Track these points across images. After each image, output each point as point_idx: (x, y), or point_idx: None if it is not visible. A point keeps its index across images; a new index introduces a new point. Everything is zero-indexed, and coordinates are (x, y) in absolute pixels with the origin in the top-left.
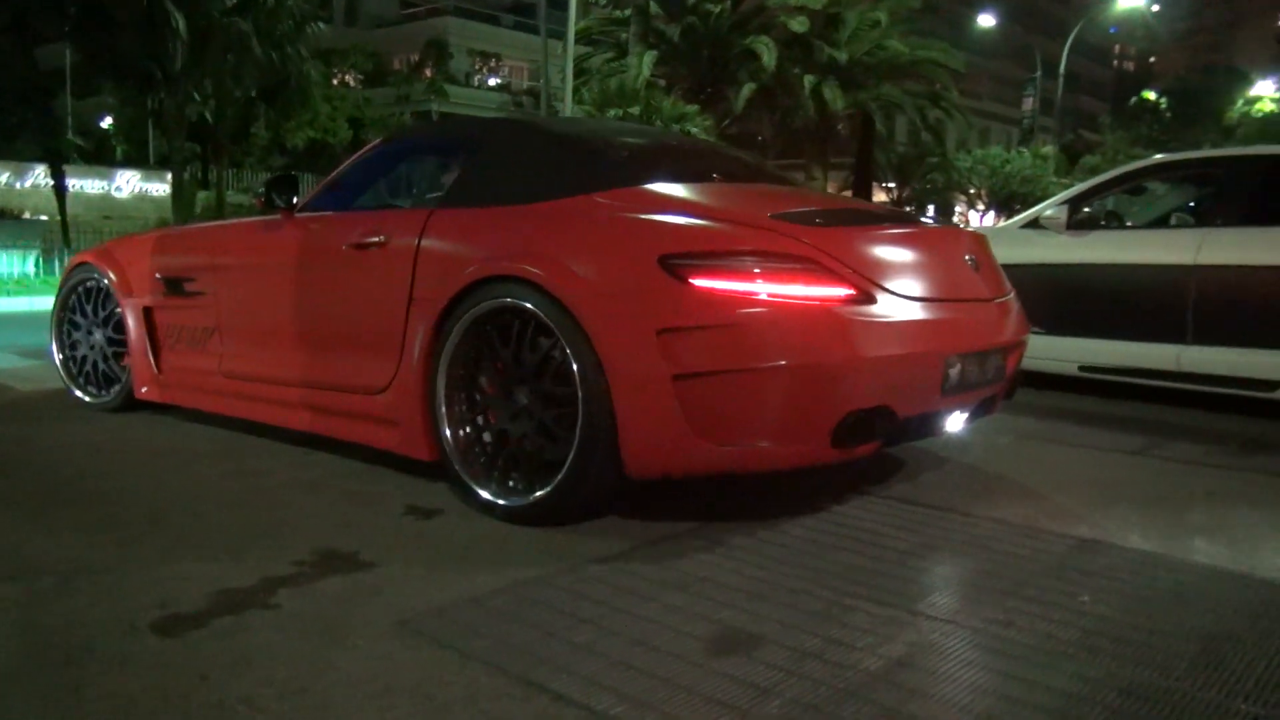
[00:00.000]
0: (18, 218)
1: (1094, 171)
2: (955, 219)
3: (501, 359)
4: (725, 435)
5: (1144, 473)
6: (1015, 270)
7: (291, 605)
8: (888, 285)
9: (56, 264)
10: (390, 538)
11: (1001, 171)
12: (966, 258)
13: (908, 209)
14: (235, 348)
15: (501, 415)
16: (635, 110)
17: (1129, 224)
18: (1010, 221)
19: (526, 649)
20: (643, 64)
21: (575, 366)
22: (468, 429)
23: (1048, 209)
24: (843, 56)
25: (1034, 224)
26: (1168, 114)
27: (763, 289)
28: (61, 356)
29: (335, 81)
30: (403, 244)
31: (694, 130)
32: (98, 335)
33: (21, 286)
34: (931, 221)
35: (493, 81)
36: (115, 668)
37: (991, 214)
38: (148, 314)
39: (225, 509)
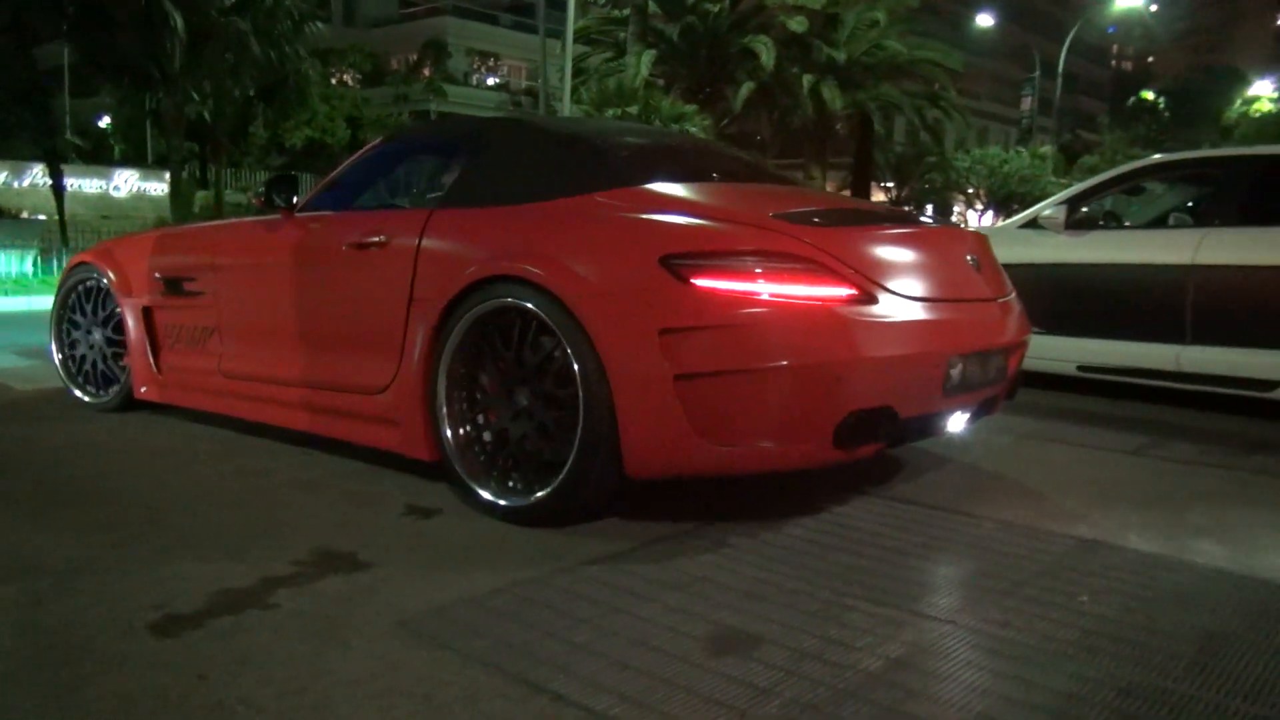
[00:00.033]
0: (15, 217)
1: (1092, 171)
2: (953, 219)
3: (502, 359)
4: (727, 436)
5: (1143, 473)
6: (1014, 270)
7: (291, 605)
8: (890, 285)
9: (55, 263)
10: (389, 538)
11: (1000, 171)
12: (968, 258)
13: (906, 208)
14: (235, 348)
15: (502, 415)
16: (634, 110)
17: (1127, 224)
18: (1009, 221)
19: (525, 649)
20: (641, 63)
21: (576, 367)
22: (468, 429)
23: (1046, 209)
24: (841, 56)
25: (1032, 224)
26: (1166, 114)
27: (765, 289)
28: (61, 356)
29: (333, 81)
30: (403, 244)
31: (692, 130)
32: (97, 335)
33: (19, 286)
34: (933, 221)
35: (491, 81)
36: (114, 668)
37: (990, 214)
38: (147, 314)
39: (224, 509)
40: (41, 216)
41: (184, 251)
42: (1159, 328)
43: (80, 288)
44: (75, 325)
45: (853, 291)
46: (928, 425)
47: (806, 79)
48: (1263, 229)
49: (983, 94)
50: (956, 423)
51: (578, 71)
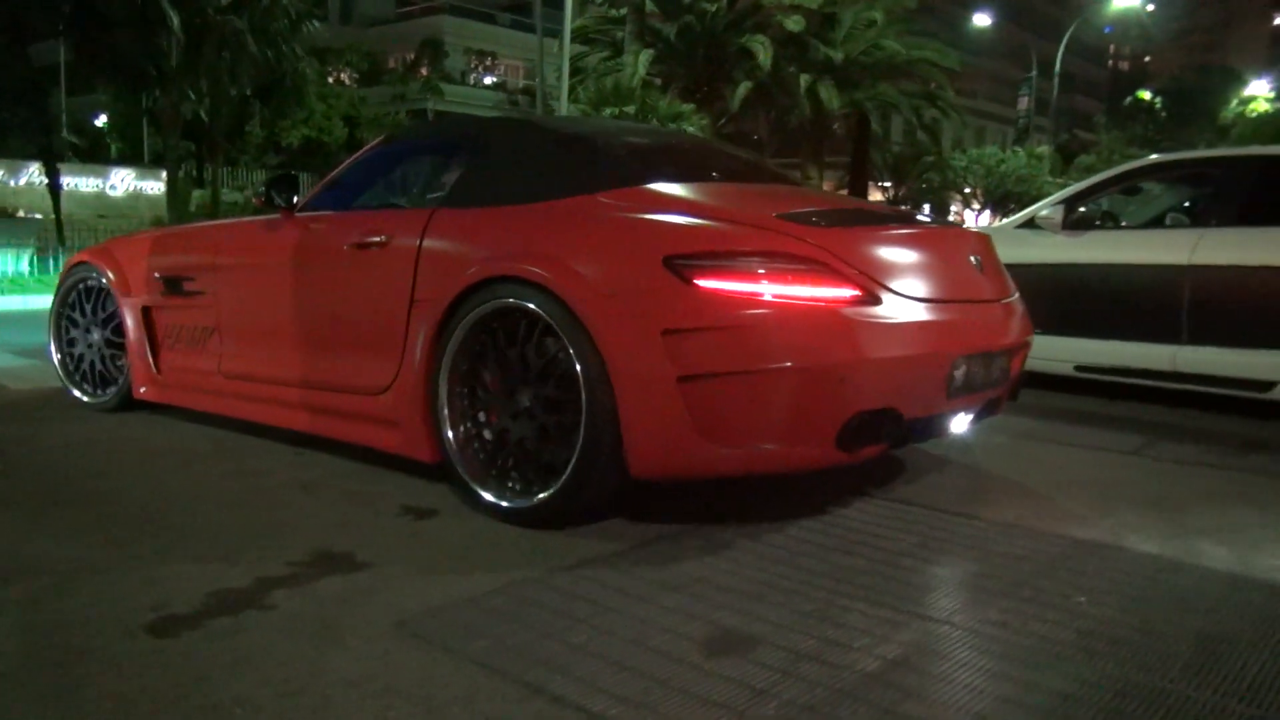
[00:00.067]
0: (12, 216)
1: (1089, 171)
2: (951, 218)
3: (504, 360)
4: (730, 437)
5: (1141, 473)
6: (1012, 270)
7: (289, 606)
8: (893, 286)
9: (51, 263)
10: (388, 538)
11: (997, 171)
12: (971, 258)
13: (904, 208)
14: (235, 348)
15: (504, 416)
16: (631, 109)
17: (1124, 224)
18: (1006, 221)
19: (523, 649)
20: (639, 63)
21: (579, 368)
22: (470, 430)
23: (1043, 209)
24: (838, 56)
25: (1030, 224)
26: (1163, 114)
27: (768, 290)
28: (59, 356)
29: (330, 80)
30: (404, 244)
31: (690, 129)
32: (96, 335)
33: (16, 285)
34: (936, 222)
35: (488, 80)
36: (113, 668)
37: (986, 213)
38: (146, 313)
39: (223, 509)
40: (38, 215)
41: (184, 251)
42: (1156, 328)
43: (79, 287)
44: (74, 325)
45: (856, 292)
46: (931, 426)
47: (804, 78)
48: (1260, 229)
49: (980, 94)
50: (960, 424)
51: (575, 71)
